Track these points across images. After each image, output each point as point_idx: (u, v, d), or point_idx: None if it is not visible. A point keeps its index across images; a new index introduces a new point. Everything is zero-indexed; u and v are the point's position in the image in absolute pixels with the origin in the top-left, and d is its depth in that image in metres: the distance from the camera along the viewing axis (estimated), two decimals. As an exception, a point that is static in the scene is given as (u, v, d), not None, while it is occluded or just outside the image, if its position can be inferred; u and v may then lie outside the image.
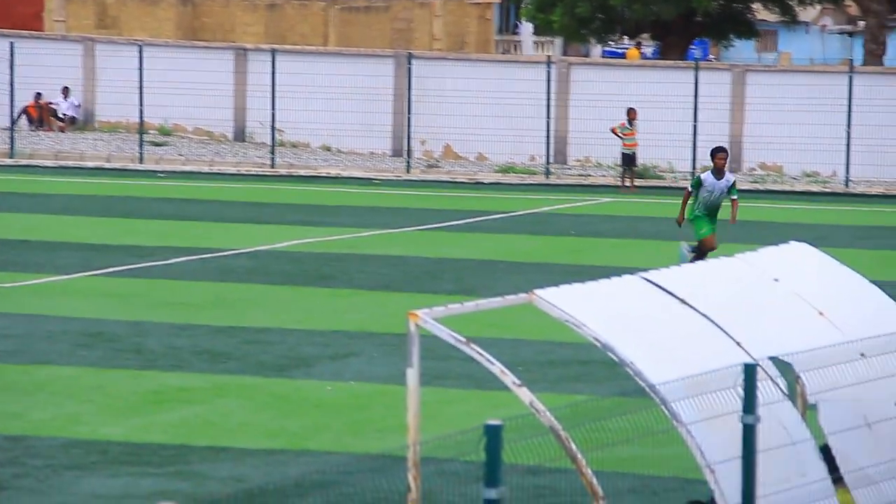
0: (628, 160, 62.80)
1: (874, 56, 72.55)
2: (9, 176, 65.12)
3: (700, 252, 34.16)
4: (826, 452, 16.37)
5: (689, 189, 37.96)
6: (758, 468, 14.86)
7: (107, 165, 66.23)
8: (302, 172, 64.72)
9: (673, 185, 62.94)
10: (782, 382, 16.05)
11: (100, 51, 74.39)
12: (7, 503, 24.23)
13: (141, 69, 67.25)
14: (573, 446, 16.32)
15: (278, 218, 48.78)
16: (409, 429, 15.73)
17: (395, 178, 63.10)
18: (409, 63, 67.06)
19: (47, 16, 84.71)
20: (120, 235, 50.15)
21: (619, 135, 62.31)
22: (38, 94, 72.04)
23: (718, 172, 37.55)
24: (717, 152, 38.06)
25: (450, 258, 46.11)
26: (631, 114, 61.76)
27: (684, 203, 37.76)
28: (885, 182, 60.46)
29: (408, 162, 63.65)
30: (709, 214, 36.57)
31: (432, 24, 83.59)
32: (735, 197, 37.76)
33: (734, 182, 38.31)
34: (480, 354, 15.79)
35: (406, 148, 65.24)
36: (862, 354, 16.41)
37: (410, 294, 37.38)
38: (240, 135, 70.17)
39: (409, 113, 65.68)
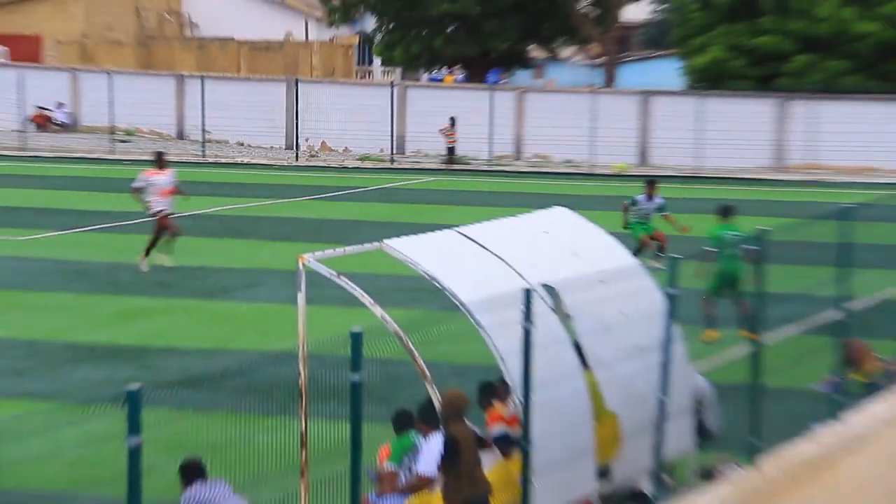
0: (450, 152, 62.49)
1: (609, 81, 72.65)
2: (20, 163, 63.75)
3: (639, 247, 32.26)
4: (578, 347, 16.85)
5: (626, 204, 36.32)
6: (533, 357, 15.03)
7: (88, 156, 65.58)
8: (224, 160, 64.79)
9: (477, 168, 62.77)
10: (549, 301, 16.52)
11: (82, 77, 74.28)
12: (25, 385, 25.55)
13: (111, 90, 67.27)
14: (410, 345, 18.02)
15: (209, 192, 48.87)
16: (299, 334, 16.65)
17: (287, 164, 63.91)
18: (296, 86, 67.43)
19: (45, 53, 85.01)
20: (98, 204, 49.71)
21: (444, 134, 62.05)
22: (40, 107, 71.39)
23: (649, 197, 35.88)
24: (649, 183, 36.61)
25: (328, 219, 46.29)
26: (452, 120, 61.43)
27: (624, 212, 36.04)
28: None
29: (296, 153, 64.28)
30: (641, 223, 35.17)
31: (311, 59, 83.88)
32: (667, 213, 36.04)
33: (664, 203, 36.39)
34: (347, 284, 17.06)
35: (295, 143, 65.72)
36: (601, 281, 16.85)
37: (301, 243, 36.84)
38: (181, 134, 70.33)
39: (296, 119, 66.03)
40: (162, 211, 33.75)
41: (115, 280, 36.11)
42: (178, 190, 34.74)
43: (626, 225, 35.26)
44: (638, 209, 36.34)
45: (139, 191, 33.91)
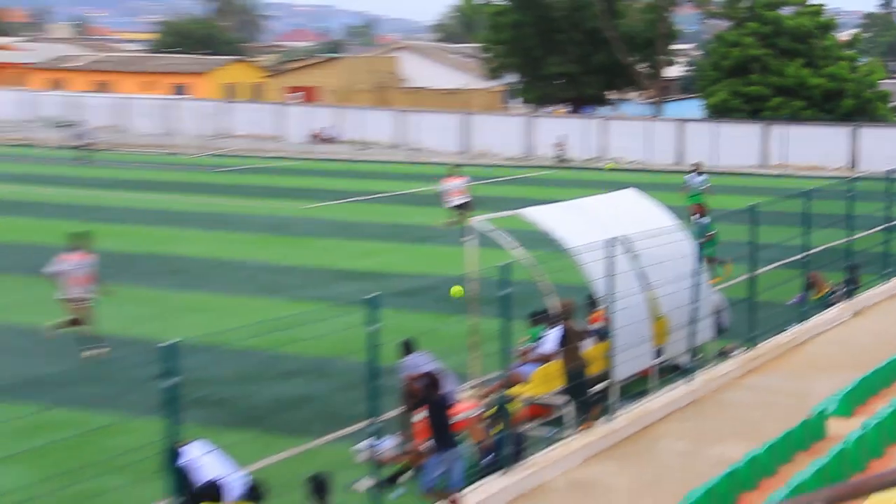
0: (561, 156, 61.27)
1: (658, 113, 73.11)
2: (310, 163, 60.92)
3: (691, 213, 28.88)
4: (642, 275, 17.30)
5: (684, 182, 36.30)
6: (614, 281, 15.82)
7: (351, 158, 63.62)
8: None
9: (578, 166, 60.15)
10: (624, 247, 16.42)
11: (344, 112, 74.30)
12: (307, 293, 26.32)
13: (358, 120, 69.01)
14: (538, 272, 18.91)
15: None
16: (469, 266, 17.52)
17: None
18: (468, 118, 66.52)
19: (320, 96, 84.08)
20: (349, 185, 48.29)
21: (557, 147, 61.61)
22: (320, 129, 71.12)
23: (697, 175, 35.99)
24: (695, 165, 37.26)
25: (506, 197, 41.21)
26: (561, 138, 62.07)
27: (683, 187, 36.09)
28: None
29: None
30: (693, 195, 34.12)
31: (477, 100, 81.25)
32: (707, 186, 35.84)
33: (706, 179, 36.23)
34: (499, 234, 17.66)
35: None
36: (654, 235, 16.77)
37: (481, 211, 33.02)
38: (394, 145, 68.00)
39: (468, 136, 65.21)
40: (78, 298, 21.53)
41: (366, 232, 35.79)
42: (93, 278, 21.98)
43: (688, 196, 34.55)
44: (688, 184, 36.39)
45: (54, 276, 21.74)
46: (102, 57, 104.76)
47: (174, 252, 31.91)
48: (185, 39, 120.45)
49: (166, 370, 9.31)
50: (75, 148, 61.26)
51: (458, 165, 39.62)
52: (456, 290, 19.52)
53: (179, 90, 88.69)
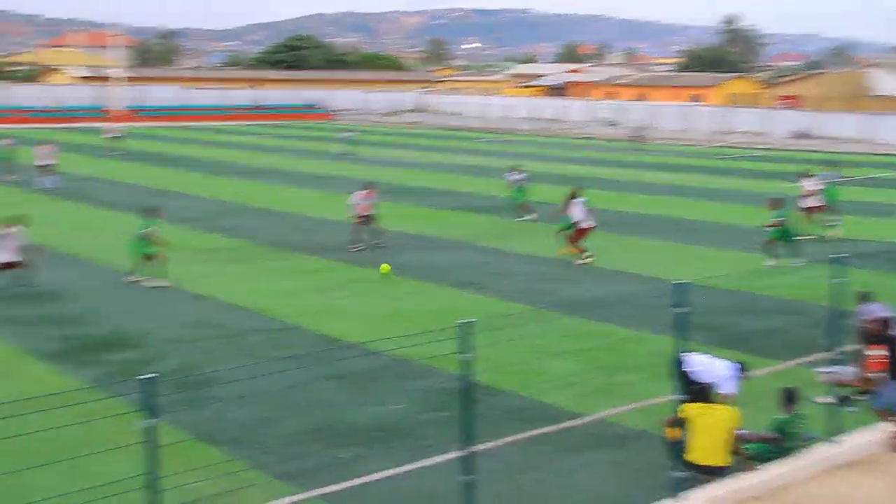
0: None
1: None
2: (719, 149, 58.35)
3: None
4: None
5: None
6: None
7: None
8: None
9: None
10: None
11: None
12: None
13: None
14: None
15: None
16: None
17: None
18: None
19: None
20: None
21: None
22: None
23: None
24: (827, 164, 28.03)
25: None
26: None
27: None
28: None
29: None
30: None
31: None
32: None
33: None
34: None
35: None
36: None
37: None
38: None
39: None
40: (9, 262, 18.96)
41: (838, 206, 29.66)
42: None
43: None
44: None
45: None
46: (642, 76, 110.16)
47: (681, 216, 31.25)
48: (702, 61, 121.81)
49: (678, 301, 9.03)
50: (630, 140, 64.89)
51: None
52: (384, 268, 19.46)
53: (696, 99, 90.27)
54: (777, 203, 22.75)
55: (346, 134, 51.67)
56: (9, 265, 19.48)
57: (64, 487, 9.09)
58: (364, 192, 24.70)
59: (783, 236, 22.36)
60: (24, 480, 9.50)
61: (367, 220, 24.48)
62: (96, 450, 9.70)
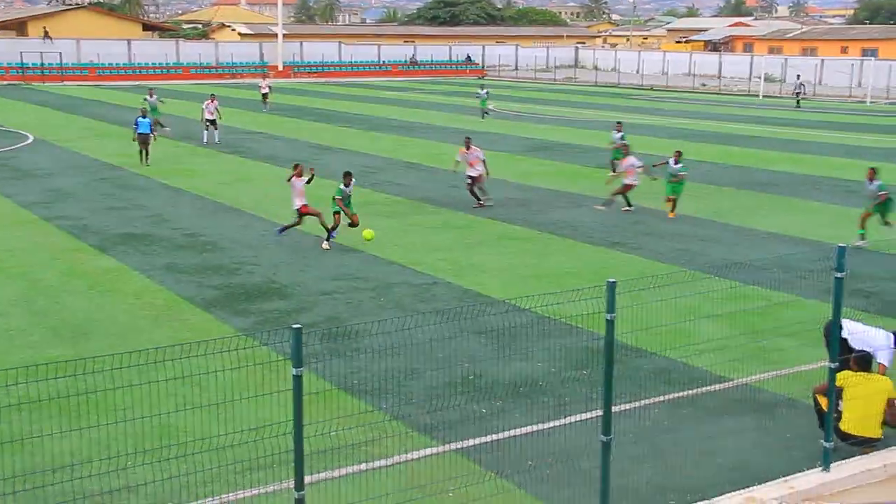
0: None
1: None
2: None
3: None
4: None
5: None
6: None
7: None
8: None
9: None
10: None
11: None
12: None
13: None
14: None
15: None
16: None
17: None
18: None
19: None
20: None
21: None
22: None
23: (869, 181, 20.02)
24: (871, 170, 20.27)
25: None
26: None
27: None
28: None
29: None
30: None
31: None
32: (884, 192, 20.04)
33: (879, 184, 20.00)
34: None
35: None
36: None
37: None
38: None
39: None
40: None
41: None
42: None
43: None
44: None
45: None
46: (810, 29, 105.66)
47: (849, 178, 29.84)
48: (878, 13, 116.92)
49: (838, 265, 8.63)
50: (794, 95, 61.92)
51: None
52: (367, 233, 18.36)
53: (869, 53, 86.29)
54: None
55: (482, 91, 51.19)
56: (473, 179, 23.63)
57: (213, 431, 9.37)
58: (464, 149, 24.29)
59: None
60: (175, 421, 9.78)
61: (474, 179, 24.10)
62: (246, 395, 9.95)
